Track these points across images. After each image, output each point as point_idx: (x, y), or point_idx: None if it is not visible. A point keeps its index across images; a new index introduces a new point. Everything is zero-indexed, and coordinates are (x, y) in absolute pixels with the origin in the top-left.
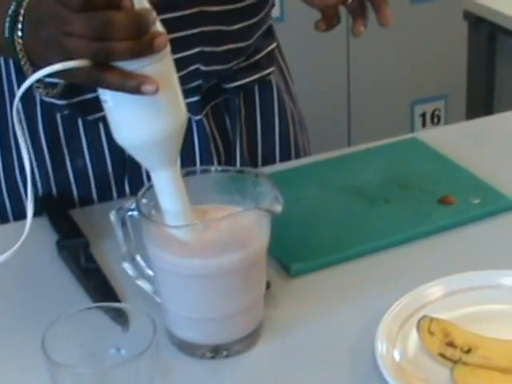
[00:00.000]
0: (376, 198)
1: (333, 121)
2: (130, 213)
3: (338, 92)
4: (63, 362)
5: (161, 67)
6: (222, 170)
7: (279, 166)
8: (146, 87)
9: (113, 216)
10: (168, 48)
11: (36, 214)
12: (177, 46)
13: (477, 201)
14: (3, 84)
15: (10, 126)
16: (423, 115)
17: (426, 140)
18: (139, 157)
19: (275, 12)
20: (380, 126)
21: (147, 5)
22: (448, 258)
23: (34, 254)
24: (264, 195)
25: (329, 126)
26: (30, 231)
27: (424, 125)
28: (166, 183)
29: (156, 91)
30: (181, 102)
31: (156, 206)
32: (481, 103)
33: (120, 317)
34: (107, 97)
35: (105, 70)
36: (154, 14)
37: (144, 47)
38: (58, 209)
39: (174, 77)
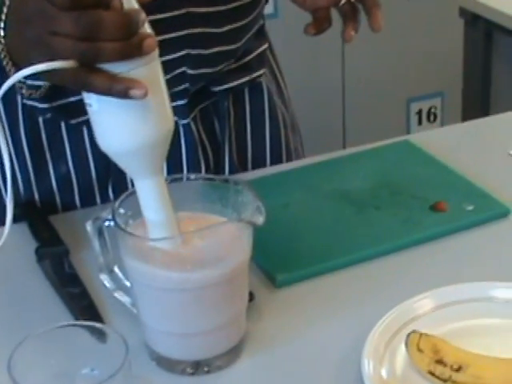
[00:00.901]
0: (366, 204)
1: (327, 118)
2: (106, 223)
3: (333, 89)
4: None
5: (148, 71)
6: (205, 179)
7: (269, 170)
8: (135, 91)
9: (89, 226)
10: (156, 51)
11: (17, 219)
12: (162, 48)
13: (470, 207)
14: None
15: None
16: (419, 113)
17: (419, 142)
18: (123, 164)
19: (268, 8)
20: (376, 123)
21: (136, 5)
22: (440, 267)
23: (13, 261)
24: (246, 205)
25: (323, 123)
26: (10, 237)
27: (420, 122)
28: (150, 192)
29: (145, 95)
30: (168, 107)
31: (134, 215)
32: (477, 100)
33: (97, 333)
34: (92, 100)
35: (91, 72)
36: (144, 15)
37: (133, 49)
38: (38, 215)
39: (162, 81)
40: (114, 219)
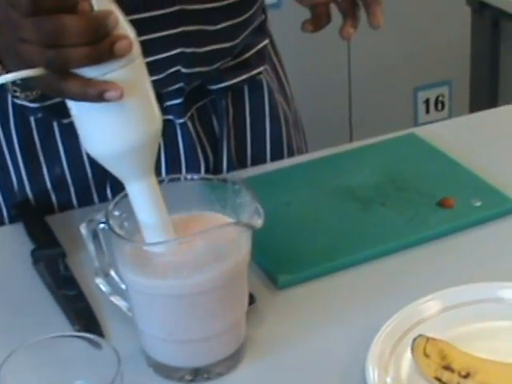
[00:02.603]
0: (371, 201)
1: (334, 108)
2: (101, 225)
3: (340, 78)
4: None
5: (128, 73)
6: (203, 179)
7: (270, 166)
8: (109, 94)
9: (83, 229)
10: (136, 51)
11: (13, 220)
12: (156, 46)
13: (478, 203)
14: None
15: None
16: (427, 101)
17: (425, 135)
18: (110, 167)
19: None
20: (383, 112)
21: (111, 5)
22: (447, 266)
23: (8, 263)
24: (244, 207)
25: (330, 112)
26: (5, 238)
27: (428, 111)
28: (141, 195)
29: (120, 97)
30: (154, 108)
31: (129, 217)
32: (485, 88)
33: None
34: (71, 104)
35: (64, 78)
36: (116, 15)
37: (102, 53)
38: (34, 216)
39: (146, 82)
40: (107, 222)
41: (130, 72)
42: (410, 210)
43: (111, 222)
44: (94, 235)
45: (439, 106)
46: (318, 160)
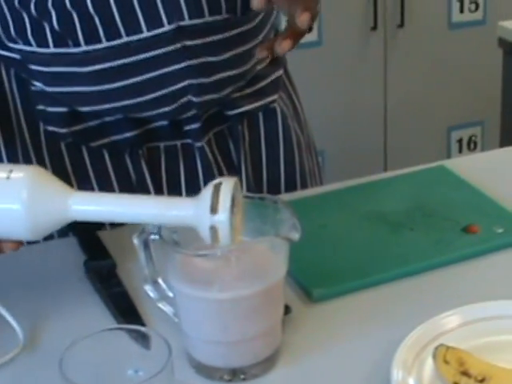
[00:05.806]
0: (400, 225)
1: (369, 146)
2: (152, 236)
3: (375, 117)
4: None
5: None
6: (245, 197)
7: (302, 193)
8: None
9: (135, 239)
10: None
11: (65, 234)
12: (162, 82)
13: (500, 230)
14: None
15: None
16: (460, 141)
17: (454, 168)
18: None
19: (312, 36)
20: (417, 151)
21: None
22: (469, 286)
23: (62, 274)
24: (284, 222)
25: (365, 150)
26: (59, 251)
27: (460, 151)
28: None
29: None
30: None
31: (177, 230)
32: None
33: (141, 338)
34: None
35: None
36: None
37: None
38: (87, 230)
39: None
40: (159, 233)
41: None
42: (436, 235)
43: (162, 232)
44: (145, 245)
45: (471, 145)
46: (352, 187)
